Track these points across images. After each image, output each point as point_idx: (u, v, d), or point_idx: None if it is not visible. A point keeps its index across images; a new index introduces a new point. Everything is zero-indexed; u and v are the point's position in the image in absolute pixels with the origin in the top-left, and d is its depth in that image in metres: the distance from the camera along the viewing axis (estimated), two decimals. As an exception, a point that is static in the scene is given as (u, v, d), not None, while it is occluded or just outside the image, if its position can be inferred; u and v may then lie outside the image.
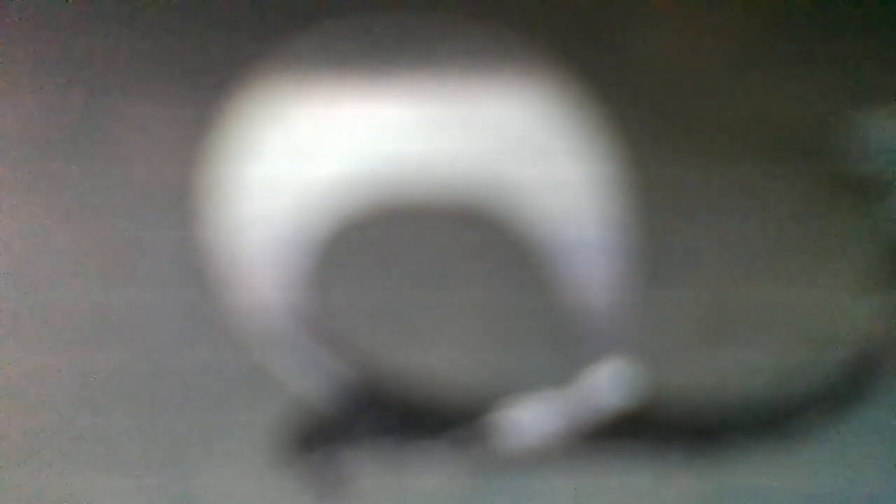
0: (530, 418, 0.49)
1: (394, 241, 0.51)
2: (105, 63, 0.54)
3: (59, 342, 0.50)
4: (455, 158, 0.51)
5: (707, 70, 0.53)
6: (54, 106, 0.53)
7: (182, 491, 0.49)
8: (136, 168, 0.52)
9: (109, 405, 0.50)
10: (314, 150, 0.52)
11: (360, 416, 0.50)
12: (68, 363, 0.50)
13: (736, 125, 0.53)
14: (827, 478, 0.49)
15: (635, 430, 0.49)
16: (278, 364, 0.50)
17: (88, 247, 0.51)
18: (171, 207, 0.51)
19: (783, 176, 0.52)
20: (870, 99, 0.53)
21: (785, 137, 0.53)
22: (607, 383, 0.50)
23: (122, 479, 0.49)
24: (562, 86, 0.51)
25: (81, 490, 0.49)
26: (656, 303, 0.50)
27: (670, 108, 0.53)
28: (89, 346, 0.50)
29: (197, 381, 0.50)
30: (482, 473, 0.49)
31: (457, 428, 0.49)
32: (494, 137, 0.51)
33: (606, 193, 0.51)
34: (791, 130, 0.53)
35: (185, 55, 0.53)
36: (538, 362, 0.50)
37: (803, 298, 0.51)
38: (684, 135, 0.52)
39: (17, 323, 0.50)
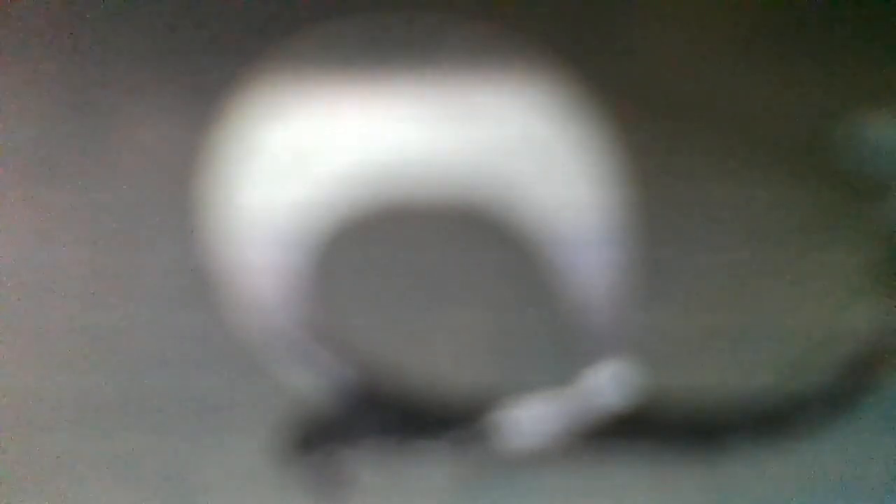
0: (530, 418, 0.49)
1: (394, 241, 0.51)
2: (104, 62, 0.53)
3: (57, 339, 0.50)
4: (456, 158, 0.51)
5: (707, 70, 0.53)
6: (53, 105, 0.53)
7: (181, 491, 0.49)
8: (135, 168, 0.52)
9: (107, 403, 0.50)
10: (314, 149, 0.52)
11: (360, 416, 0.50)
12: (66, 362, 0.50)
13: (736, 125, 0.53)
14: (827, 478, 0.49)
15: (635, 430, 0.49)
16: (278, 364, 0.50)
17: (88, 247, 0.51)
18: (172, 207, 0.51)
19: (783, 175, 0.52)
20: (870, 99, 0.53)
21: (785, 137, 0.53)
22: (607, 383, 0.50)
23: (121, 478, 0.49)
24: (562, 85, 0.51)
25: (80, 489, 0.49)
26: (657, 302, 0.50)
27: (670, 107, 0.53)
28: (87, 344, 0.50)
29: (196, 380, 0.50)
30: (482, 473, 0.49)
31: (457, 428, 0.49)
32: (495, 137, 0.51)
33: (607, 193, 0.51)
34: (791, 130, 0.53)
35: (185, 55, 0.53)
36: (538, 362, 0.50)
37: (803, 298, 0.51)
38: (683, 134, 0.52)
39: (16, 321, 0.51)
